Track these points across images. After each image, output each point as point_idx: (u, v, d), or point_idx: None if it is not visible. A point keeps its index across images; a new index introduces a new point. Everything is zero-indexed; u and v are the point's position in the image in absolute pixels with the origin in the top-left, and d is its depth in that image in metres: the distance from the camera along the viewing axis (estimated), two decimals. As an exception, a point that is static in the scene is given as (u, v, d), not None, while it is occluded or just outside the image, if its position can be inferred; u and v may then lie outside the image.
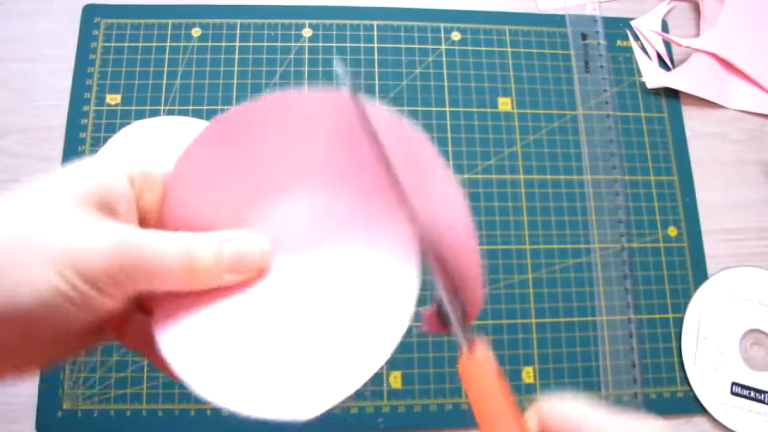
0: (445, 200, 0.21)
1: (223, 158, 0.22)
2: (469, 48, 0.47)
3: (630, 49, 0.49)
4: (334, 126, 0.21)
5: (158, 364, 0.21)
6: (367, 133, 0.20)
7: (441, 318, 0.22)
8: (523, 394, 0.40)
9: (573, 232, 0.44)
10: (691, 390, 0.41)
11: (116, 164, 0.22)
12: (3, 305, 0.18)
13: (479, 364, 0.21)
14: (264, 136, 0.21)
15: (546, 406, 0.20)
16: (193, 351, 0.20)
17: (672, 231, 0.45)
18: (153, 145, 0.42)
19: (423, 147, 0.20)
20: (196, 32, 0.46)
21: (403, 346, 0.40)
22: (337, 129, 0.21)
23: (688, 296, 0.43)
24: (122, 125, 0.43)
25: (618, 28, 0.49)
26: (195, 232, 0.21)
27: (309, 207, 0.22)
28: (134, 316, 0.23)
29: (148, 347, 0.21)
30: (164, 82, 0.44)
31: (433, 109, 0.45)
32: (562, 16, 0.49)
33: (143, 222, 0.23)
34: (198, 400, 0.38)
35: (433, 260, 0.21)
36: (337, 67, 0.20)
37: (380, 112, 0.20)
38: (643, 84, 0.48)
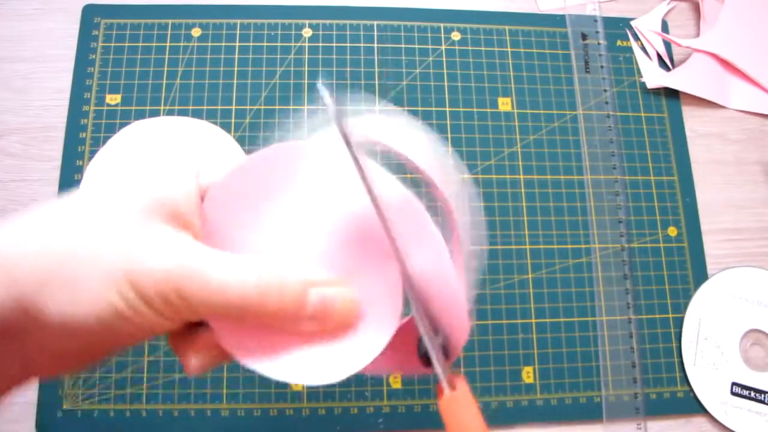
0: (431, 251, 0.21)
1: (252, 195, 0.22)
2: (469, 48, 0.47)
3: (630, 49, 0.49)
4: (336, 171, 0.21)
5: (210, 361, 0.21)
6: (362, 180, 0.20)
7: (421, 356, 0.22)
8: (523, 394, 0.40)
9: (573, 232, 0.44)
10: (691, 390, 0.41)
11: (189, 172, 0.21)
12: (62, 318, 0.18)
13: (461, 402, 0.21)
14: (279, 181, 0.22)
15: None
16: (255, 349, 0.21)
17: (672, 231, 0.45)
18: (153, 146, 0.42)
19: (410, 201, 0.21)
20: (196, 32, 0.46)
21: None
22: (337, 173, 0.21)
23: (688, 296, 0.43)
24: (122, 125, 0.42)
25: (618, 28, 0.49)
26: (277, 264, 0.20)
27: (316, 241, 0.22)
28: (188, 331, 0.21)
29: (202, 355, 0.21)
30: (164, 82, 0.44)
31: (433, 109, 0.45)
32: (562, 16, 0.49)
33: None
34: (197, 401, 0.38)
35: (415, 299, 0.21)
36: (322, 91, 0.20)
37: (371, 166, 0.20)
38: (643, 84, 0.48)
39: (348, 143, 0.20)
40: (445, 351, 0.22)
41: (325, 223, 0.22)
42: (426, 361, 0.22)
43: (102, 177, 0.20)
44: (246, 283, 0.19)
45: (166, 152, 0.22)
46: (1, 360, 0.18)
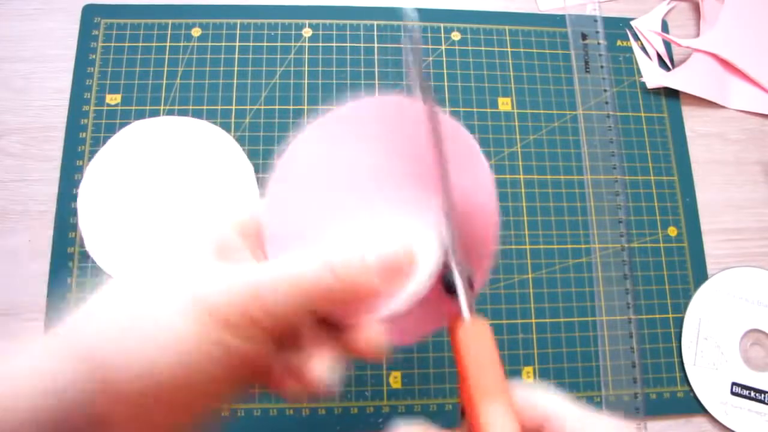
0: (476, 183, 0.23)
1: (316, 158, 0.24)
2: (469, 48, 0.47)
3: (630, 49, 0.49)
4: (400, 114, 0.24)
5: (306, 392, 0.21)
6: (429, 119, 0.22)
7: (446, 284, 0.22)
8: (523, 394, 0.40)
9: (573, 232, 0.44)
10: (691, 390, 0.41)
11: (226, 221, 0.22)
12: (140, 367, 0.17)
13: (480, 332, 0.21)
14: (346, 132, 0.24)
15: (521, 391, 0.20)
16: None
17: (672, 231, 0.45)
18: (153, 145, 0.42)
19: (464, 136, 0.23)
20: (196, 32, 0.46)
21: (403, 346, 0.40)
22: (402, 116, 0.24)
23: (688, 296, 0.43)
24: (122, 125, 0.43)
25: (618, 28, 0.49)
26: (333, 246, 0.21)
27: (376, 170, 0.24)
28: (279, 359, 0.21)
29: (296, 384, 0.20)
30: (164, 82, 0.44)
31: (433, 109, 0.45)
32: (562, 16, 0.49)
33: None
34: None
35: (450, 227, 0.22)
36: (409, 20, 0.23)
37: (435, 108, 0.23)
38: (643, 84, 0.48)
39: (419, 69, 0.22)
40: (471, 283, 0.22)
41: (386, 166, 0.24)
42: (449, 289, 0.22)
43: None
44: (317, 268, 0.19)
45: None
46: None
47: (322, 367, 0.20)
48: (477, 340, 0.21)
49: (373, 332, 0.21)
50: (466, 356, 0.20)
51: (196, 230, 0.21)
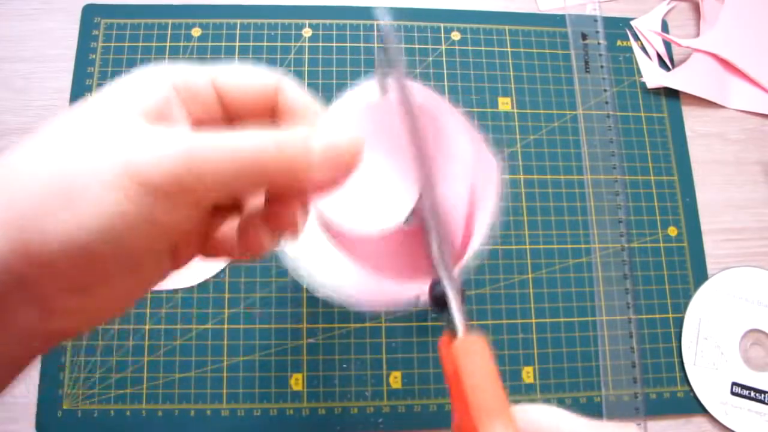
0: (457, 175, 0.24)
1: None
2: (469, 48, 0.47)
3: (630, 49, 0.49)
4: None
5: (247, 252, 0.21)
6: (403, 109, 0.23)
7: (436, 299, 0.22)
8: (523, 394, 0.40)
9: (573, 232, 0.44)
10: (691, 390, 0.41)
11: (162, 75, 0.20)
12: (65, 238, 0.16)
13: (476, 347, 0.20)
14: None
15: (520, 411, 0.19)
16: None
17: (672, 231, 0.45)
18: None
19: (446, 114, 0.25)
20: (196, 32, 0.46)
21: (403, 346, 0.40)
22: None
23: (688, 296, 0.43)
24: (122, 125, 0.43)
25: (618, 28, 0.49)
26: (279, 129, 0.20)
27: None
28: (212, 224, 0.20)
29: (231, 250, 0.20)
30: (164, 82, 0.44)
31: (433, 109, 0.45)
32: (562, 16, 0.49)
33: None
34: (197, 401, 0.38)
35: (436, 231, 0.22)
36: (382, 21, 0.23)
37: (419, 90, 0.24)
38: (643, 84, 0.48)
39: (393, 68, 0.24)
40: (463, 295, 0.22)
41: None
42: (439, 303, 0.21)
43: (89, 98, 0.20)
44: (257, 143, 0.18)
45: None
46: (18, 316, 0.17)
47: (263, 233, 0.20)
48: (474, 356, 0.19)
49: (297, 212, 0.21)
50: (462, 374, 0.19)
51: (129, 90, 0.19)
